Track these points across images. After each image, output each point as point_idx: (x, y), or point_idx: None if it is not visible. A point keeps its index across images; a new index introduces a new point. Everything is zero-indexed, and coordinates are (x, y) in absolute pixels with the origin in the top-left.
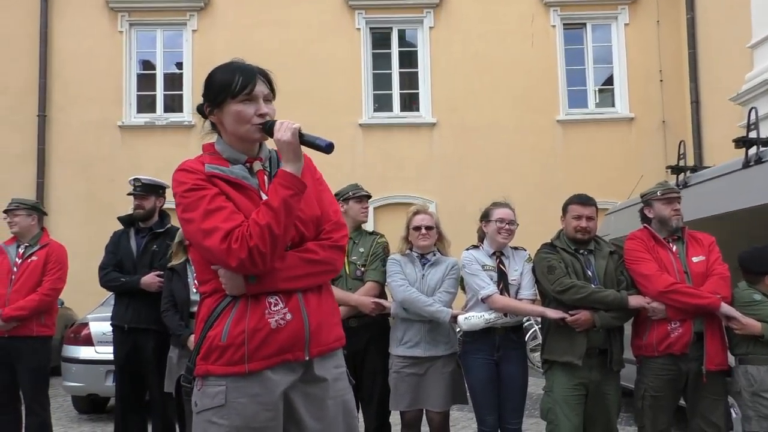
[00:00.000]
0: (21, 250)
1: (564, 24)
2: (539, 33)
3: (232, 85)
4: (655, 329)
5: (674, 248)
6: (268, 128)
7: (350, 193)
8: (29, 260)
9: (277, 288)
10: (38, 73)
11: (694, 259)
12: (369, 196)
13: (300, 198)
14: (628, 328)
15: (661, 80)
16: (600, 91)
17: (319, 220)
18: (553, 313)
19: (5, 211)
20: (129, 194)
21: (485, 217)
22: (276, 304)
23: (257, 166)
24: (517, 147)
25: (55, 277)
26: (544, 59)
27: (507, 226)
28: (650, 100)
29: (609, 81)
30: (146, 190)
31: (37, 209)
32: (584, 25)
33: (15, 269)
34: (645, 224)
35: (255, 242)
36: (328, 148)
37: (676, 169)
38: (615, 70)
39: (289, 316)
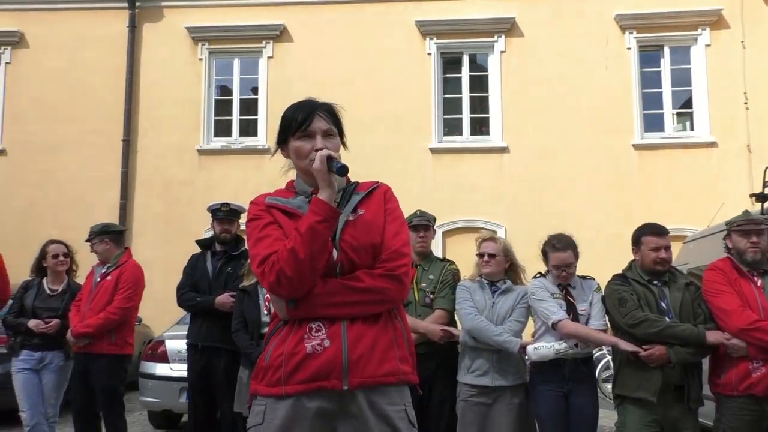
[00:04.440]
0: (103, 270)
1: (640, 47)
2: (614, 56)
3: (292, 123)
4: (735, 367)
5: (759, 282)
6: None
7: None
8: (105, 280)
9: (318, 314)
10: (124, 99)
11: None
12: (425, 226)
13: (329, 225)
14: (706, 362)
15: (746, 103)
16: (678, 114)
17: (377, 248)
18: (626, 345)
19: (87, 241)
20: (216, 219)
21: (544, 255)
22: (317, 330)
23: None
24: (591, 172)
25: (123, 297)
26: (619, 82)
27: (564, 273)
28: (733, 124)
29: (687, 104)
30: (233, 215)
31: (106, 232)
32: (661, 47)
33: (94, 288)
34: (728, 254)
35: (281, 266)
36: (338, 171)
37: (760, 197)
38: (694, 93)
39: (327, 343)
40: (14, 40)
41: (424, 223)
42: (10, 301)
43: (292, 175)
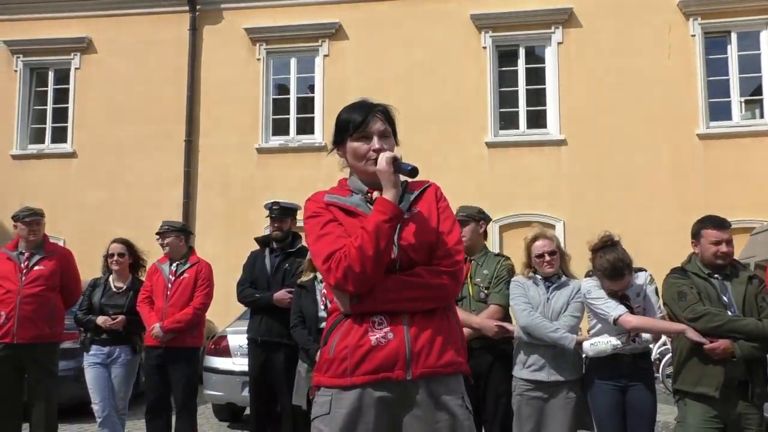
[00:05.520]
0: (173, 268)
1: (705, 33)
2: (677, 44)
3: (349, 124)
4: None
5: None
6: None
7: None
8: (181, 277)
9: (380, 308)
10: (186, 101)
11: None
12: (463, 221)
13: (395, 223)
14: None
15: None
16: (746, 102)
17: (433, 246)
18: (693, 333)
19: (158, 234)
20: (270, 217)
21: (595, 257)
22: (380, 324)
23: (377, 194)
24: (653, 164)
25: (204, 293)
26: (683, 71)
27: (620, 294)
28: None
29: (757, 91)
30: (284, 213)
31: (184, 231)
32: (728, 33)
33: (169, 285)
34: None
35: (348, 263)
36: (411, 173)
37: None
38: (764, 79)
39: (390, 336)
40: (83, 46)
41: (463, 219)
42: (81, 299)
43: (347, 172)
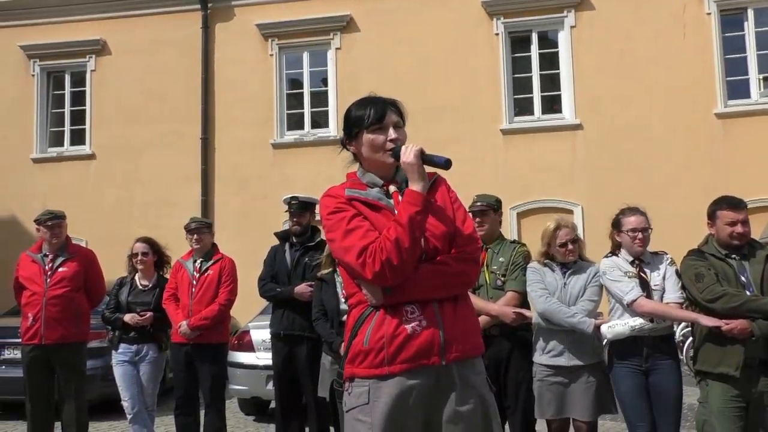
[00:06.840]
0: (197, 264)
1: (721, 10)
2: (692, 23)
3: (364, 117)
4: None
5: None
6: (396, 153)
7: None
8: (206, 274)
9: (413, 298)
10: (200, 99)
11: None
12: (481, 211)
13: (426, 214)
14: None
15: None
16: (765, 79)
17: (453, 235)
18: (707, 320)
19: (190, 230)
20: (289, 212)
21: (616, 225)
22: (412, 312)
23: (392, 188)
24: (670, 145)
25: (229, 289)
26: (699, 50)
27: (640, 235)
28: None
29: None
30: (303, 207)
31: (211, 226)
32: (744, 9)
33: (194, 282)
34: None
35: (386, 255)
36: (445, 164)
37: None
38: None
39: (424, 323)
40: (98, 48)
41: (478, 209)
42: (107, 298)
43: (354, 168)
